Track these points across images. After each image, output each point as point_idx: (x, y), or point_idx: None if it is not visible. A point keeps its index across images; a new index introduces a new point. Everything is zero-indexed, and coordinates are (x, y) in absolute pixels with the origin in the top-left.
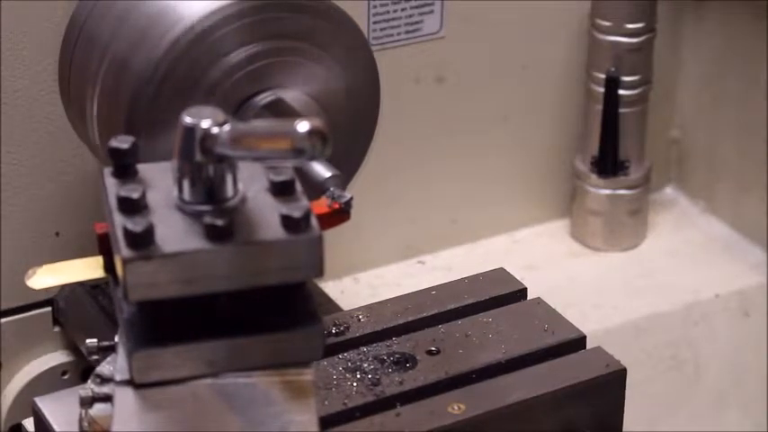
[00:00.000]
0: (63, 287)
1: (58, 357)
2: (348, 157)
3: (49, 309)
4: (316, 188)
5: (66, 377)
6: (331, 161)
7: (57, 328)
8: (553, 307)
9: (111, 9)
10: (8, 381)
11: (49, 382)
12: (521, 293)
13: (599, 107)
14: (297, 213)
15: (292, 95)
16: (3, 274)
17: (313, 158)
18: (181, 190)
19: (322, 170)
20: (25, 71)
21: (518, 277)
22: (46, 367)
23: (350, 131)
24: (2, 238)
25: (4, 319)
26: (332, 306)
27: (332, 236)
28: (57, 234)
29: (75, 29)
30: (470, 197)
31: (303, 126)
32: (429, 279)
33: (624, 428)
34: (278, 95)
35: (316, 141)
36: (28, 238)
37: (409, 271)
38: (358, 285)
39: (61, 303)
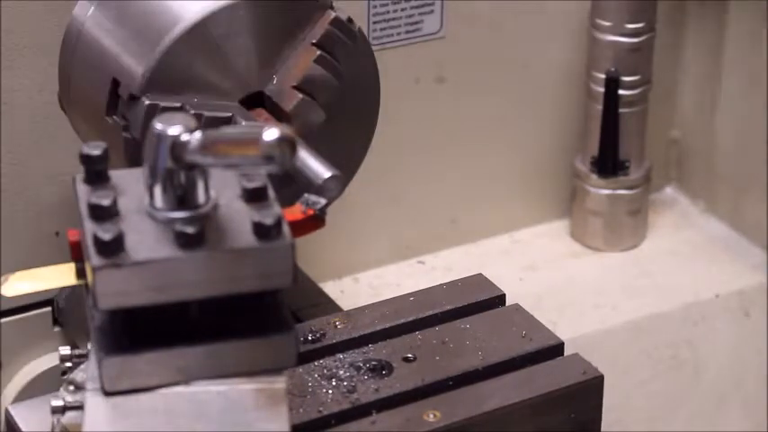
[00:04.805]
0: (63, 287)
1: (57, 357)
2: (348, 157)
3: (49, 309)
4: (315, 188)
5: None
6: (331, 161)
7: (57, 328)
8: (531, 313)
9: (111, 9)
10: (8, 381)
11: (48, 382)
12: (499, 300)
13: (599, 107)
14: (269, 220)
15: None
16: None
17: (282, 166)
18: (152, 197)
19: (322, 170)
20: (25, 71)
21: (518, 277)
22: (46, 367)
23: (350, 131)
24: (2, 238)
25: (4, 319)
26: (332, 306)
27: (332, 236)
28: (57, 234)
29: (76, 28)
30: (470, 197)
31: (272, 134)
32: (429, 279)
33: (624, 428)
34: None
35: (285, 148)
36: (28, 238)
37: (409, 271)
38: (358, 285)
39: (61, 303)
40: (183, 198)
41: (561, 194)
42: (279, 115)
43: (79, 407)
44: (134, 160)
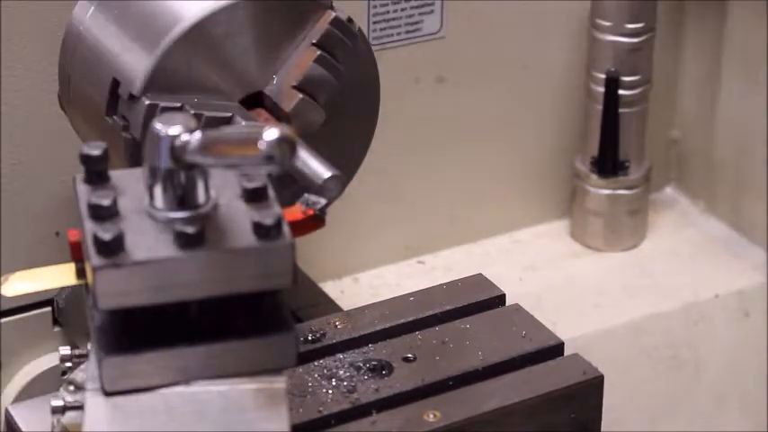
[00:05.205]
0: (63, 287)
1: (57, 357)
2: (348, 157)
3: (49, 309)
4: (315, 188)
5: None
6: (331, 161)
7: (57, 328)
8: (531, 313)
9: (111, 9)
10: (8, 381)
11: (48, 382)
12: (499, 300)
13: (599, 107)
14: (268, 221)
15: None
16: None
17: (282, 166)
18: (152, 197)
19: (322, 170)
20: (25, 71)
21: (518, 277)
22: (46, 367)
23: (350, 131)
24: (2, 238)
25: (4, 319)
26: (332, 306)
27: (332, 236)
28: (57, 234)
29: (76, 29)
30: (470, 197)
31: (272, 134)
32: (429, 279)
33: (624, 428)
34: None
35: (285, 148)
36: (28, 238)
37: (409, 271)
38: (358, 285)
39: (61, 303)
40: (182, 198)
41: (561, 194)
42: (279, 115)
43: (79, 407)
44: (134, 160)
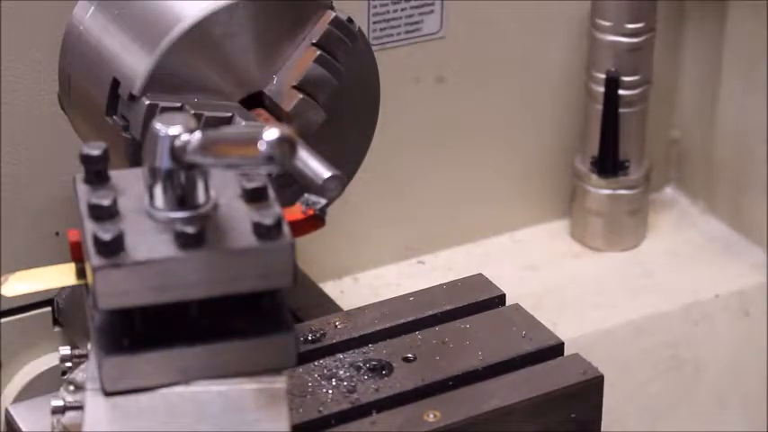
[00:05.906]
0: (63, 287)
1: (57, 357)
2: (348, 157)
3: (49, 309)
4: (316, 188)
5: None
6: (331, 161)
7: (57, 328)
8: (531, 313)
9: (111, 9)
10: (8, 381)
11: (49, 382)
12: (499, 300)
13: (599, 107)
14: (268, 221)
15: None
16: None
17: (282, 166)
18: (152, 197)
19: (322, 170)
20: (25, 71)
21: (518, 277)
22: (46, 367)
23: (350, 131)
24: (2, 238)
25: (4, 319)
26: (332, 306)
27: (332, 236)
28: (57, 234)
29: (76, 29)
30: (470, 197)
31: (272, 134)
32: (429, 279)
33: (624, 428)
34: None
35: (285, 148)
36: (28, 238)
37: (409, 271)
38: (358, 285)
39: (61, 303)
40: (182, 198)
41: (561, 194)
42: (279, 115)
43: (79, 407)
44: (134, 160)
